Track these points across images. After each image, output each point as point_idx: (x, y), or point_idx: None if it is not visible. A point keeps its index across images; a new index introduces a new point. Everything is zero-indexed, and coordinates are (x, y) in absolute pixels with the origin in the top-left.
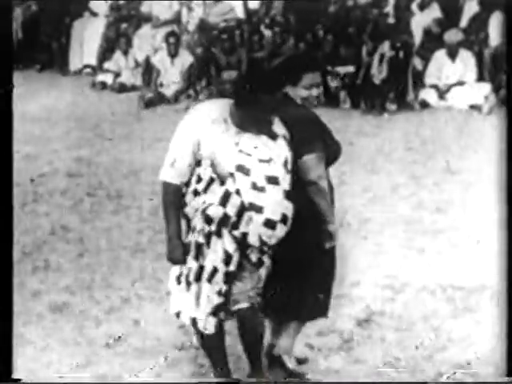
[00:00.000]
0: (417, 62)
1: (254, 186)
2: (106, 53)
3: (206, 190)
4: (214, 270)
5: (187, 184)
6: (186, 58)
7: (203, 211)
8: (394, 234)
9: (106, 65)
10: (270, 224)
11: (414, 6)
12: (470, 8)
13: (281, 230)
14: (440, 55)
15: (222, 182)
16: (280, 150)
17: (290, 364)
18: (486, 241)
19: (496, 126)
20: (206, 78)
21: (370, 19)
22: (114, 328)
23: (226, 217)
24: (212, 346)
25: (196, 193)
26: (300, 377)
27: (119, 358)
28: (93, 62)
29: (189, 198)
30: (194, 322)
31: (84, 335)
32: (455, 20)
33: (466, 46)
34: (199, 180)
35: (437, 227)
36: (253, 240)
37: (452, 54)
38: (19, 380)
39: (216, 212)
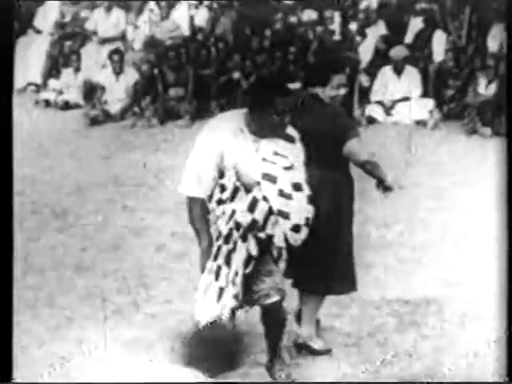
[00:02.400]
0: (363, 79)
1: (282, 193)
2: (50, 70)
3: (232, 198)
4: (236, 274)
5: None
6: (131, 75)
7: (230, 218)
8: None
9: (51, 82)
10: (296, 228)
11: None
12: (415, 25)
13: (304, 233)
14: (386, 71)
15: (248, 191)
16: (299, 153)
17: (316, 345)
18: (433, 254)
19: (440, 141)
20: (152, 95)
21: (315, 36)
22: (58, 348)
23: (253, 222)
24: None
25: (220, 201)
26: (327, 352)
27: (62, 378)
28: (37, 79)
29: (212, 206)
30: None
31: (28, 355)
32: (400, 37)
33: (412, 62)
34: (223, 190)
35: (384, 242)
36: (278, 242)
37: (398, 70)
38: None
39: (245, 218)
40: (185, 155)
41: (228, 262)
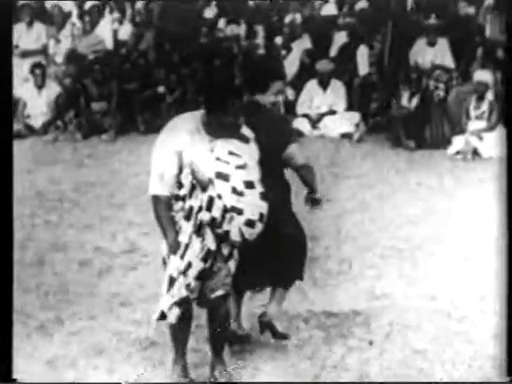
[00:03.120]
0: (289, 92)
1: (234, 191)
2: None
3: (190, 195)
4: (189, 265)
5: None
6: (53, 89)
7: (191, 215)
8: None
9: None
10: (250, 223)
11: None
12: (339, 39)
13: (259, 227)
14: (311, 85)
15: (203, 188)
16: (253, 153)
17: (280, 327)
18: (359, 267)
19: (365, 154)
20: (75, 109)
21: (240, 50)
22: None
23: (213, 219)
24: (175, 334)
25: (177, 198)
26: (286, 337)
27: None
28: None
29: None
30: (162, 314)
31: None
32: (325, 50)
33: (337, 75)
34: (180, 186)
35: (311, 255)
36: (235, 237)
37: (323, 84)
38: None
39: (205, 216)
40: (108, 170)
41: (183, 255)
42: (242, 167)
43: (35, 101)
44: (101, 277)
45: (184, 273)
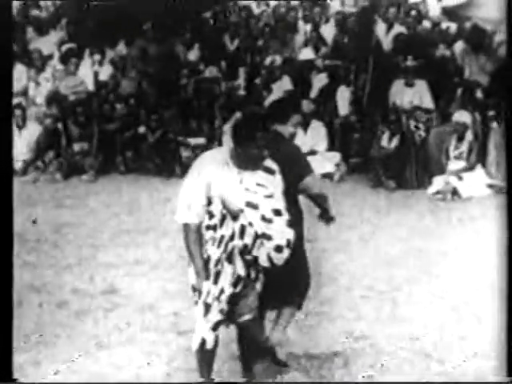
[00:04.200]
0: None
1: (264, 218)
2: None
3: (221, 225)
4: (222, 291)
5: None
6: (33, 130)
7: (222, 243)
8: None
9: None
10: (278, 249)
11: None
12: (320, 80)
13: (286, 253)
14: None
15: (234, 218)
16: (278, 184)
17: (279, 354)
18: (339, 308)
19: (346, 194)
20: (55, 150)
21: (222, 92)
22: None
23: (245, 246)
24: (206, 358)
25: (208, 227)
26: (286, 365)
27: None
28: None
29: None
30: (203, 341)
31: None
32: (306, 91)
33: (317, 116)
34: (211, 216)
35: None
36: (263, 262)
37: (304, 125)
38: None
39: (238, 243)
40: (88, 210)
41: (216, 281)
42: (269, 196)
43: (16, 141)
44: (78, 318)
45: (218, 298)
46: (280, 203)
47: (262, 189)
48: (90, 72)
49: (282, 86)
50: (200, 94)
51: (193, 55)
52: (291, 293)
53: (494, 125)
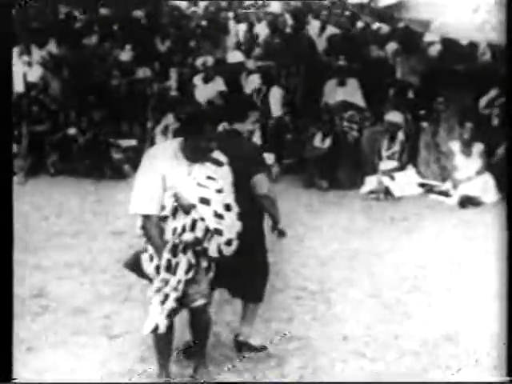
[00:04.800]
0: None
1: (216, 214)
2: None
3: (173, 217)
4: (179, 282)
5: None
6: None
7: (176, 235)
8: None
9: None
10: (228, 242)
11: (198, 79)
12: (253, 81)
13: (235, 245)
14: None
15: (186, 212)
16: (227, 176)
17: (254, 342)
18: (273, 308)
19: (280, 194)
20: None
21: (154, 93)
22: None
23: (196, 239)
24: (160, 343)
25: (160, 219)
26: (264, 349)
27: None
28: None
29: None
30: (156, 326)
31: None
32: (239, 92)
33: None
34: (162, 209)
35: (223, 298)
36: (213, 253)
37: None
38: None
39: (189, 237)
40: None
41: (175, 272)
42: (220, 191)
43: None
44: None
45: (175, 288)
46: (230, 197)
47: (212, 182)
48: (19, 73)
49: (215, 87)
50: (132, 95)
51: (125, 56)
52: (253, 286)
53: (425, 124)
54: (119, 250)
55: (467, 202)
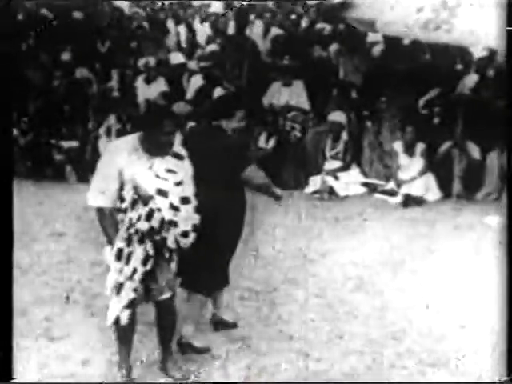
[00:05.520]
0: None
1: (171, 206)
2: None
3: (132, 208)
4: (134, 271)
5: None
6: None
7: (132, 225)
8: None
9: None
10: (184, 234)
11: (140, 80)
12: (195, 81)
13: (192, 237)
14: None
15: (145, 203)
16: (187, 169)
17: (197, 343)
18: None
19: None
20: None
21: (95, 93)
22: None
23: (151, 228)
24: (123, 336)
25: (119, 210)
26: (207, 351)
27: None
28: None
29: None
30: (117, 318)
31: None
32: (181, 93)
33: (194, 118)
34: (122, 200)
35: None
36: (171, 244)
37: (181, 126)
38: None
39: (143, 226)
40: None
41: (128, 261)
42: (179, 184)
43: None
44: None
45: (130, 278)
46: (189, 190)
47: (172, 175)
48: None
49: (157, 88)
50: (72, 95)
51: (65, 56)
52: (203, 278)
53: (368, 124)
54: (60, 251)
55: (411, 201)
